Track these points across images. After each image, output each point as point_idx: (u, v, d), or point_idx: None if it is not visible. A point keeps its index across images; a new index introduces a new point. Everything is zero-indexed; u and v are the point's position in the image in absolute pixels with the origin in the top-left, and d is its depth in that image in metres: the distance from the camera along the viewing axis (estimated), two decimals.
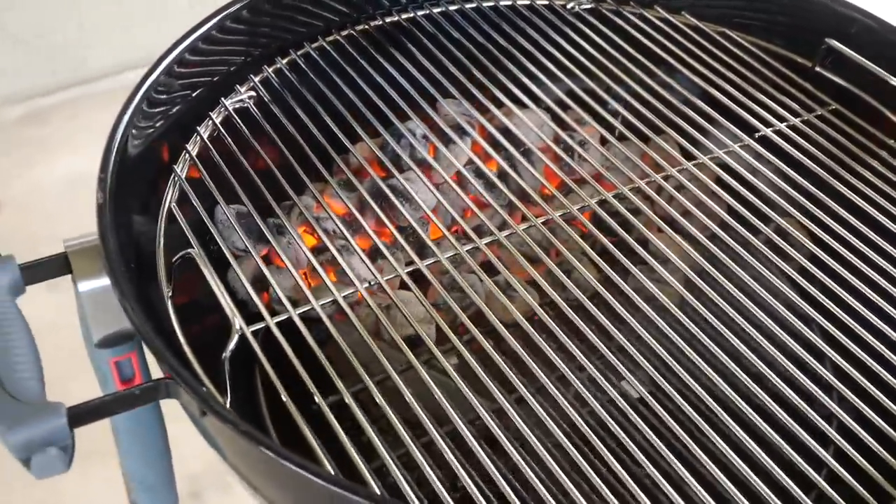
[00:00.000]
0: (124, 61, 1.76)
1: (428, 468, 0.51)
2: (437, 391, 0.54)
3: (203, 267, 0.59)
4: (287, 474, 0.46)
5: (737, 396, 0.55)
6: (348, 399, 0.54)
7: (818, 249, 0.65)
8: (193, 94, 0.75)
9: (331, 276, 0.73)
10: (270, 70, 0.78)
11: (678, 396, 0.54)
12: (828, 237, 0.66)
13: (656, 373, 0.56)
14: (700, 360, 0.57)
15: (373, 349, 0.56)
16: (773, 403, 0.55)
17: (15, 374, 0.51)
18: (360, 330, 0.58)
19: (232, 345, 0.55)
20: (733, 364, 0.57)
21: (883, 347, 0.58)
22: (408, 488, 0.50)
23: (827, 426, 0.54)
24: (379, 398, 0.54)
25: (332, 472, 0.50)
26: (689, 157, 0.73)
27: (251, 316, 0.59)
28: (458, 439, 0.52)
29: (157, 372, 0.63)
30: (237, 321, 0.56)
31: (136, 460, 0.65)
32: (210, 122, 0.73)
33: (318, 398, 0.55)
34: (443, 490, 0.50)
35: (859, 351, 0.58)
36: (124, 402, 0.52)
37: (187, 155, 0.71)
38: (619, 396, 0.54)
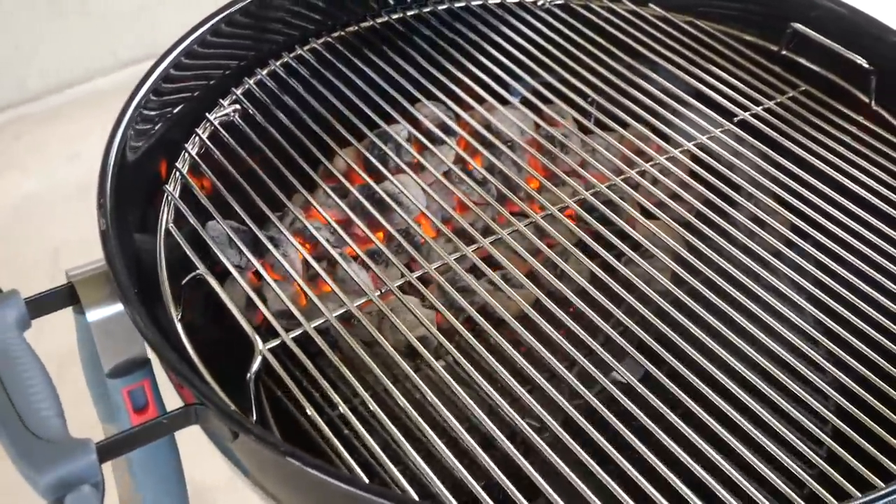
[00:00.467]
0: (64, 80, 1.73)
1: (464, 470, 0.51)
2: (457, 388, 0.54)
3: (218, 288, 0.58)
4: (336, 492, 0.46)
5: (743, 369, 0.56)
6: (373, 406, 0.54)
7: (801, 222, 0.67)
8: (175, 111, 0.74)
9: (328, 287, 0.73)
10: (252, 82, 0.77)
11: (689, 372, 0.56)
12: (810, 210, 0.68)
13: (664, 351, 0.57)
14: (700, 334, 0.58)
15: (390, 353, 0.57)
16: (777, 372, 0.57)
17: (35, 411, 0.50)
18: (378, 338, 0.58)
19: (256, 366, 0.54)
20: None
21: (875, 311, 0.60)
22: (448, 494, 0.50)
23: (821, 407, 0.56)
24: (403, 401, 0.54)
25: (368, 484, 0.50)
26: (674, 144, 0.74)
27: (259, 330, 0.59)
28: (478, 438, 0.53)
29: (170, 398, 0.62)
30: (260, 342, 0.55)
31: (152, 489, 0.64)
32: (197, 138, 0.72)
33: (342, 408, 0.55)
34: (480, 490, 0.50)
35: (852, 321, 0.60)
36: (153, 432, 0.51)
37: (178, 173, 0.70)
38: (633, 380, 0.55)
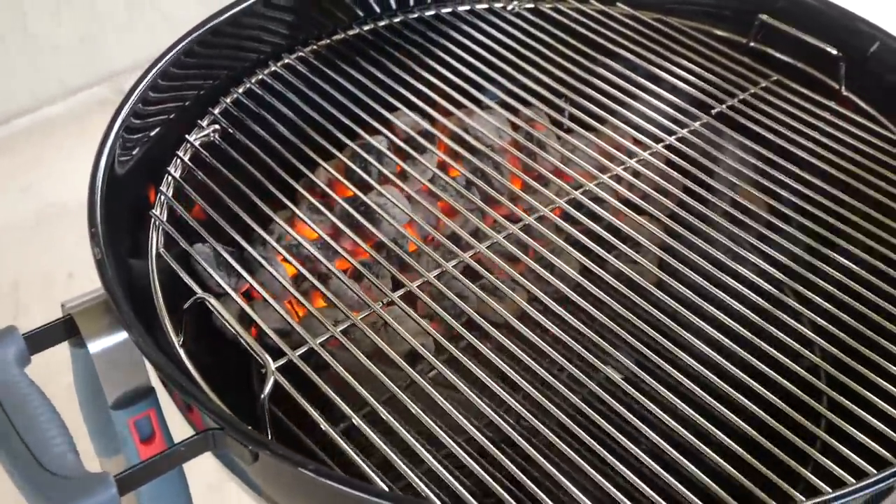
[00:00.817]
0: (10, 110, 1.70)
1: (487, 475, 0.51)
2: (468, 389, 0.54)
3: (223, 311, 0.57)
4: None
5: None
6: (385, 415, 0.54)
7: (783, 207, 0.69)
8: (152, 134, 0.72)
9: (319, 301, 0.72)
10: (228, 101, 0.76)
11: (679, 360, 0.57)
12: (791, 195, 0.69)
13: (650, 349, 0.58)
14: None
15: (397, 361, 0.56)
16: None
17: (49, 448, 0.48)
18: (386, 351, 0.58)
19: (268, 388, 0.53)
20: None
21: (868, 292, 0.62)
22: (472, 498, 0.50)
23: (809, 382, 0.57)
24: (414, 408, 0.54)
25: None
26: (655, 140, 0.75)
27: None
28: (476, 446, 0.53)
29: (176, 426, 0.61)
30: (271, 362, 0.54)
31: None
32: (179, 160, 0.71)
33: (356, 420, 0.54)
34: (505, 495, 0.50)
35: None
36: (171, 460, 0.50)
37: (163, 196, 0.68)
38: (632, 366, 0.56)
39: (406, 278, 0.64)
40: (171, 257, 0.64)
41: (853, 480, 0.50)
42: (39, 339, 0.55)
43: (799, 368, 0.57)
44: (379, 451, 0.52)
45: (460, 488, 0.50)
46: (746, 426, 0.53)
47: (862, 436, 0.53)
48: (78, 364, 0.60)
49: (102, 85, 1.96)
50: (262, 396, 0.53)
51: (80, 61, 1.85)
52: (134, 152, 0.69)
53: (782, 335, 0.59)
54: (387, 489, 0.49)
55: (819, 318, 0.60)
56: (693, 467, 0.51)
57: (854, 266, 0.64)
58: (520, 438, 0.52)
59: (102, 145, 0.64)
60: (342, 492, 0.46)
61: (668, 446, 0.52)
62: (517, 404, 0.54)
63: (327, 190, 0.70)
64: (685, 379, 0.56)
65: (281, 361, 0.57)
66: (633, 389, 0.55)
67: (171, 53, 0.73)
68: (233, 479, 0.59)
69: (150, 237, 0.66)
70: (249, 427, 0.51)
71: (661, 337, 0.58)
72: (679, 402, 0.55)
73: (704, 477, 0.51)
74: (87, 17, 1.82)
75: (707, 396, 0.55)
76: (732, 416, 0.54)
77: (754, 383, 0.56)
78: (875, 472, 0.50)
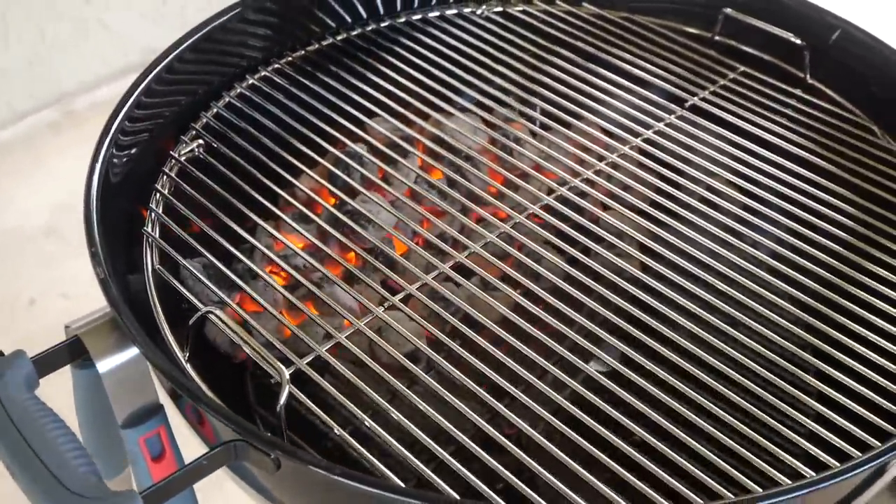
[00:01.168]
0: None
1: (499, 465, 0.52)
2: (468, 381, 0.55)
3: (232, 324, 0.57)
4: None
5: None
6: (398, 416, 0.54)
7: (763, 192, 0.71)
8: (135, 152, 0.72)
9: (312, 309, 0.72)
10: (209, 115, 0.76)
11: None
12: (768, 179, 0.72)
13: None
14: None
15: (401, 360, 0.57)
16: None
17: (72, 469, 0.48)
18: (387, 349, 0.58)
19: (284, 398, 0.54)
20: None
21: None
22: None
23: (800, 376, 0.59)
24: (423, 405, 0.55)
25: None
26: (635, 134, 0.77)
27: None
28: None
29: (186, 443, 0.61)
30: (286, 372, 0.55)
31: None
32: (165, 177, 0.71)
33: (368, 422, 0.55)
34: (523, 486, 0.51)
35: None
36: (194, 474, 0.50)
37: (153, 214, 0.68)
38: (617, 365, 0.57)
39: (402, 280, 0.64)
40: (167, 273, 0.63)
41: (837, 464, 0.51)
42: (46, 362, 0.55)
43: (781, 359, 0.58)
44: (388, 451, 0.53)
45: (475, 479, 0.51)
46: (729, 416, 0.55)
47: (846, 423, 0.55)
48: (82, 385, 0.59)
49: (52, 108, 1.93)
50: (279, 406, 0.54)
51: (28, 84, 1.82)
52: (121, 171, 0.69)
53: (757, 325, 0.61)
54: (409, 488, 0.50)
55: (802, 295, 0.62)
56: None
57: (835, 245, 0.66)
58: (526, 426, 0.53)
59: (93, 165, 0.64)
60: (382, 496, 0.46)
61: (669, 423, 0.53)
62: (521, 394, 0.55)
63: (315, 197, 0.71)
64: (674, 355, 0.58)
65: (290, 370, 0.57)
66: (627, 370, 0.57)
67: (155, 71, 0.73)
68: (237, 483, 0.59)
69: (144, 254, 0.65)
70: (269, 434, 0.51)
71: (651, 319, 0.60)
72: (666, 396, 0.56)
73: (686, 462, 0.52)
74: (35, 41, 1.80)
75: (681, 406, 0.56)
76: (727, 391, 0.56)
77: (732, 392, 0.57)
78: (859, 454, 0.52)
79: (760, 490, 0.49)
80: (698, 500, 0.49)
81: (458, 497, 0.50)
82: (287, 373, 0.55)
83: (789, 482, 0.50)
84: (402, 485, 0.51)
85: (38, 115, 1.87)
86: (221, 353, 0.68)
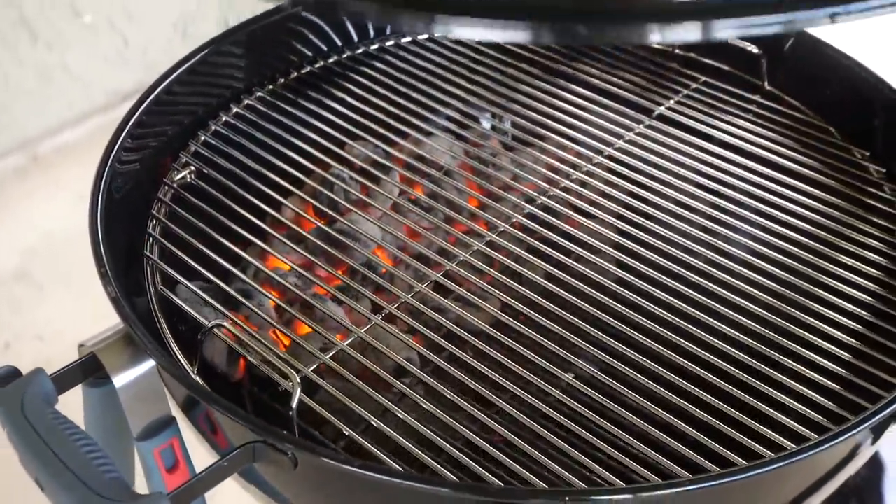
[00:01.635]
0: None
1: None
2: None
3: (237, 342, 0.60)
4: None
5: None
6: (401, 414, 0.57)
7: (731, 191, 0.75)
8: (128, 182, 0.74)
9: (304, 327, 0.74)
10: (198, 143, 0.79)
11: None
12: (738, 181, 0.76)
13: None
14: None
15: (401, 363, 0.60)
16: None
17: (99, 475, 0.50)
18: (390, 354, 0.61)
19: (296, 400, 0.56)
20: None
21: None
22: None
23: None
24: (426, 404, 0.58)
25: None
26: (607, 144, 0.81)
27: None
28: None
29: (194, 454, 0.63)
30: (296, 377, 0.57)
31: None
32: (161, 202, 0.73)
33: (374, 422, 0.57)
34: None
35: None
36: (216, 476, 0.52)
37: (151, 238, 0.70)
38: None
39: (395, 288, 0.67)
40: (169, 293, 0.66)
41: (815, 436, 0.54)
42: (64, 380, 0.57)
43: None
44: (401, 449, 0.55)
45: (481, 470, 0.53)
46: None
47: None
48: (93, 403, 0.61)
49: (17, 154, 1.93)
50: (291, 411, 0.56)
51: None
52: (120, 198, 0.71)
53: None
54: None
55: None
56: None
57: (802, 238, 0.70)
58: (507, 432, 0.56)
59: (95, 193, 0.66)
60: (400, 485, 0.49)
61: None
62: (505, 404, 0.58)
63: (305, 216, 0.73)
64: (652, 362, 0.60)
65: (300, 375, 0.59)
66: (606, 377, 0.59)
67: (145, 103, 0.75)
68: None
69: (146, 276, 0.67)
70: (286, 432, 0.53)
71: (626, 328, 0.62)
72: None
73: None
74: None
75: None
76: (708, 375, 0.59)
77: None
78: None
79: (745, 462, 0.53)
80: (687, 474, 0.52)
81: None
82: (298, 377, 0.57)
83: (772, 454, 0.53)
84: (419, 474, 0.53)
85: (4, 161, 1.88)
86: (219, 373, 0.70)
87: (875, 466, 1.29)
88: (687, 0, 0.35)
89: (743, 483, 0.50)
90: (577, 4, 0.36)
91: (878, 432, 0.55)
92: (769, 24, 0.35)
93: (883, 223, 0.72)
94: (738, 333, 0.62)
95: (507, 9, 0.36)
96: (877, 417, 0.53)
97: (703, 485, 0.49)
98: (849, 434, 0.52)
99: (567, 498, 0.48)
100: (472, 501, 0.50)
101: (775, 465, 0.50)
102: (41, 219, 1.80)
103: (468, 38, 0.90)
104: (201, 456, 0.62)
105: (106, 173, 0.67)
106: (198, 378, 0.61)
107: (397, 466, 0.54)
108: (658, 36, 0.37)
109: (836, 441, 0.52)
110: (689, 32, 0.35)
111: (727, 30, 0.35)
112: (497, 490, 0.51)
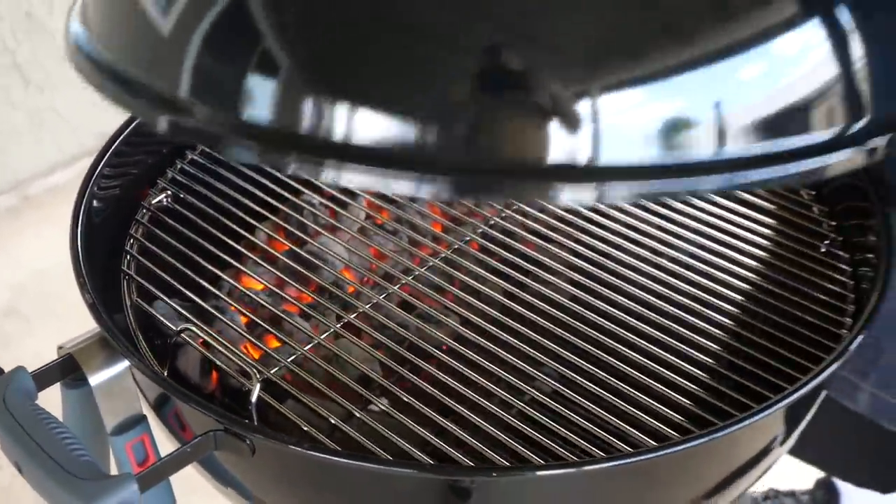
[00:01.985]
0: None
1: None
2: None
3: (205, 350, 0.66)
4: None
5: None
6: (384, 405, 0.62)
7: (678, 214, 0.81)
8: (107, 205, 0.80)
9: (274, 341, 0.80)
10: (176, 171, 0.85)
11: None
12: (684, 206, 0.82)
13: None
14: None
15: (386, 360, 0.65)
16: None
17: (75, 458, 0.55)
18: (375, 353, 0.66)
19: (254, 398, 0.62)
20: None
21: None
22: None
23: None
24: (406, 397, 0.63)
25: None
26: None
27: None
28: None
29: (164, 451, 0.68)
30: (257, 374, 0.63)
31: None
32: (138, 224, 0.79)
33: (334, 419, 0.62)
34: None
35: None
36: (180, 461, 0.57)
37: (129, 255, 0.76)
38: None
39: (361, 304, 0.72)
40: (144, 304, 0.71)
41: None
42: (43, 378, 0.62)
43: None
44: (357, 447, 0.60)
45: (455, 453, 0.58)
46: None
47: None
48: (73, 403, 0.66)
49: (9, 194, 2.00)
50: (250, 406, 0.61)
51: None
52: (99, 219, 0.77)
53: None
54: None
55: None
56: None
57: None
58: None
59: (76, 213, 0.72)
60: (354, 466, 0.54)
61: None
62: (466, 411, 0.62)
63: (280, 239, 0.79)
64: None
65: (261, 377, 0.65)
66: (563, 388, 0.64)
67: (123, 134, 0.81)
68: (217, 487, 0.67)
69: (122, 289, 0.73)
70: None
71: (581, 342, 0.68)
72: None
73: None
74: None
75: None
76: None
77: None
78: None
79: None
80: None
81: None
82: (259, 375, 0.63)
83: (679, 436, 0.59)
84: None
85: None
86: (192, 384, 0.75)
87: (832, 490, 1.34)
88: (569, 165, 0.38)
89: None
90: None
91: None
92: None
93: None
94: (679, 344, 0.67)
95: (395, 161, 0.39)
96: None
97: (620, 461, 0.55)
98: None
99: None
100: (413, 477, 0.55)
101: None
102: (31, 257, 1.87)
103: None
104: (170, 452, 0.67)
105: (88, 190, 0.73)
106: (168, 379, 0.66)
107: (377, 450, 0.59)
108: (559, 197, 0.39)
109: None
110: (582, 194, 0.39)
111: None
112: (429, 466, 0.56)
